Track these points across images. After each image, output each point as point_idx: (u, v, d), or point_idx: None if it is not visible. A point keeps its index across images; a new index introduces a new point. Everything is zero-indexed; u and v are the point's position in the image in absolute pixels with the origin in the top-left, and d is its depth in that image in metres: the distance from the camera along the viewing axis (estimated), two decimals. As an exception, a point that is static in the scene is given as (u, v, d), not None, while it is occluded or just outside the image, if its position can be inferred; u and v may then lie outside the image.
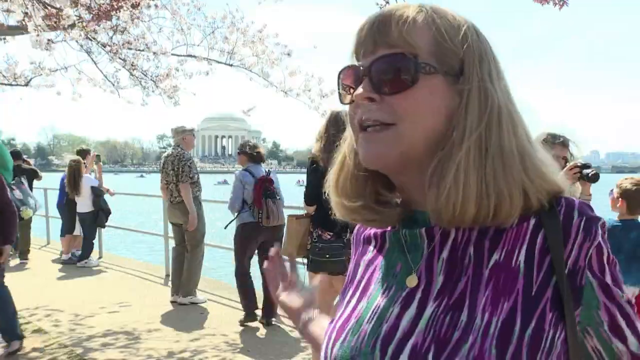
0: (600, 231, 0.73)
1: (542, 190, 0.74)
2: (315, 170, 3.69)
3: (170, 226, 6.42)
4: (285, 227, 3.92)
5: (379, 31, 0.73)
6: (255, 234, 5.19)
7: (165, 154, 5.93)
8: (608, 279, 0.73)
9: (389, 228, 0.85)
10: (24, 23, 4.12)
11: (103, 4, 4.08)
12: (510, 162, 0.72)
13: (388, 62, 0.72)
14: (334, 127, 3.54)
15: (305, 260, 3.80)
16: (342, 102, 0.80)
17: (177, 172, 5.72)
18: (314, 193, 3.76)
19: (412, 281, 0.77)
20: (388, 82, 0.72)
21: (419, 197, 0.78)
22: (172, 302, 5.93)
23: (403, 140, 0.72)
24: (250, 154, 5.30)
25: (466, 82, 0.73)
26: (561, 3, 3.08)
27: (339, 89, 0.81)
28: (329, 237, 3.66)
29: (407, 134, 0.72)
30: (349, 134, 0.83)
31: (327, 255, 3.64)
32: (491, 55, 0.76)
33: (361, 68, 0.75)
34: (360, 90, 0.74)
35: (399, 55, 0.72)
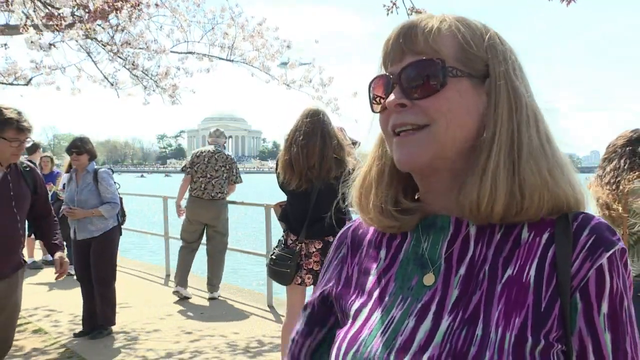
0: (606, 254, 0.69)
1: (562, 191, 0.74)
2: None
3: (176, 225, 6.43)
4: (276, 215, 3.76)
5: (406, 41, 0.77)
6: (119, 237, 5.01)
7: (208, 150, 6.02)
8: (604, 308, 0.69)
9: (399, 239, 0.84)
10: (25, 25, 4.10)
11: (100, 6, 4.06)
12: (539, 159, 0.74)
13: (417, 68, 0.75)
14: (307, 124, 3.33)
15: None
16: (373, 111, 0.83)
17: (230, 172, 5.92)
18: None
19: (429, 279, 0.77)
20: (418, 87, 0.75)
21: (445, 202, 0.79)
22: (174, 292, 6.04)
23: (436, 140, 0.75)
24: (93, 152, 4.93)
25: (493, 83, 0.76)
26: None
27: (369, 98, 0.83)
28: (291, 241, 3.45)
29: (440, 133, 0.75)
30: (377, 141, 0.86)
31: (271, 263, 3.44)
32: (514, 57, 0.79)
33: (391, 76, 0.78)
34: (392, 97, 0.77)
35: (427, 61, 0.75)
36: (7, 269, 3.04)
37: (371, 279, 0.84)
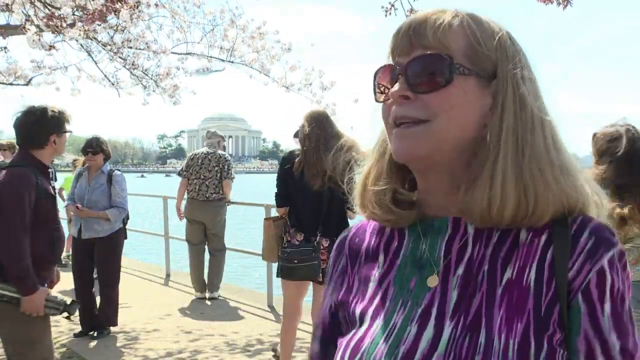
0: (606, 256, 0.69)
1: (565, 195, 0.74)
2: (287, 171, 3.56)
3: (174, 228, 6.44)
4: (263, 230, 3.75)
5: (415, 33, 0.76)
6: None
7: (202, 152, 6.09)
8: (606, 309, 0.68)
9: (397, 243, 0.84)
10: (24, 26, 4.10)
11: (98, 7, 4.05)
12: (545, 165, 0.73)
13: (424, 63, 0.75)
14: (317, 126, 3.50)
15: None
16: (376, 100, 0.82)
17: (222, 170, 5.97)
18: (283, 194, 3.65)
19: (433, 281, 0.76)
20: (423, 81, 0.74)
21: (443, 201, 0.79)
22: (200, 298, 6.05)
23: (435, 136, 0.74)
24: (108, 153, 4.97)
25: (500, 85, 0.75)
26: (565, 3, 3.01)
27: (374, 87, 0.82)
28: (297, 242, 3.52)
29: (439, 130, 0.74)
30: (379, 139, 0.86)
31: (296, 261, 3.46)
32: (524, 61, 0.78)
33: (397, 67, 0.77)
34: (396, 88, 0.76)
35: (435, 56, 0.74)
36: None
37: (371, 286, 0.83)
